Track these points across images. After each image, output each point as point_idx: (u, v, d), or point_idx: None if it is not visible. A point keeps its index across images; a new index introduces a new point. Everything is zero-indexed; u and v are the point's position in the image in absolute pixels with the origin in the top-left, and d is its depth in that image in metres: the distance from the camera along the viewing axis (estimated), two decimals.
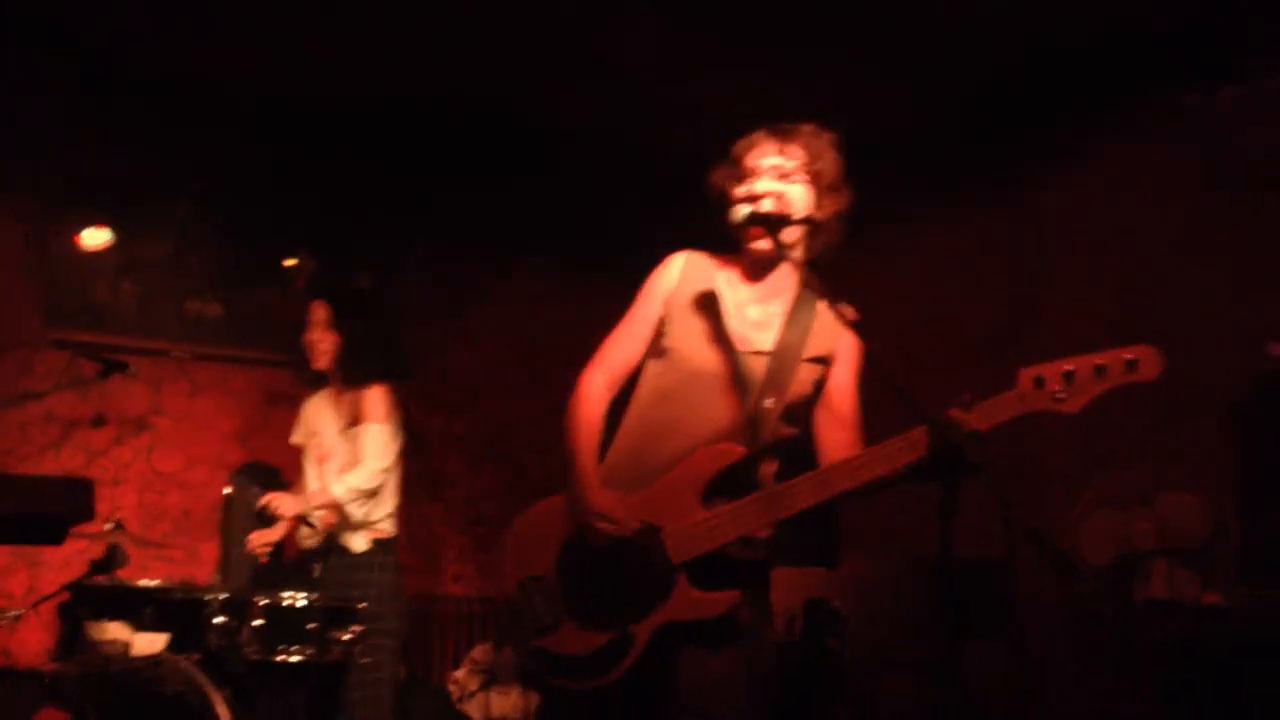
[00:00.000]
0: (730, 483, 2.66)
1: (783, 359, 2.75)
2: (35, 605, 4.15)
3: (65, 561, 4.88)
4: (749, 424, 2.71)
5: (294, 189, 5.67)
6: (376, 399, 4.22)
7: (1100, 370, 2.41)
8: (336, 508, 4.05)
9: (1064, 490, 4.70)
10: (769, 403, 2.70)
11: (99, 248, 5.35)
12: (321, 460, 4.30)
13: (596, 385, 2.83)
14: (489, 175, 5.99)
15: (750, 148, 2.79)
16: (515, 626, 2.71)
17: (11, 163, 5.14)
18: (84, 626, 3.87)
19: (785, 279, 2.84)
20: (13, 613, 4.09)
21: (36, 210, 5.23)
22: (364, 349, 4.26)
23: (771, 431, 2.72)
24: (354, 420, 4.23)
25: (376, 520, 4.15)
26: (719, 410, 2.74)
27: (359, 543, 4.14)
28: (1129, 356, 2.39)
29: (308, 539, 4.14)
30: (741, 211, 2.74)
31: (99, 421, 5.22)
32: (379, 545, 4.17)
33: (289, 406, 4.44)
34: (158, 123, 5.35)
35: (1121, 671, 4.45)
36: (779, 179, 2.75)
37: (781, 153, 2.76)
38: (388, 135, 5.80)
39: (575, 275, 6.07)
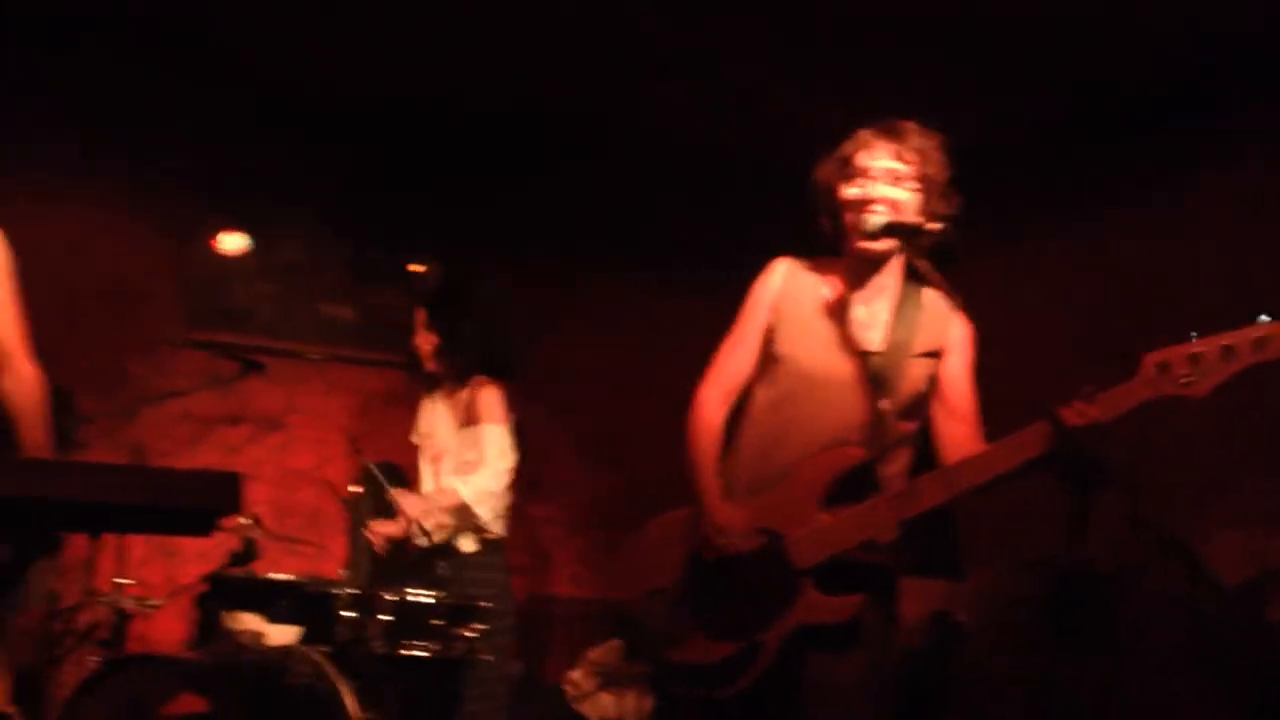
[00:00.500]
0: (852, 486, 2.65)
1: (894, 357, 2.74)
2: (174, 595, 4.33)
3: (201, 554, 5.03)
4: (867, 426, 2.70)
5: (422, 192, 5.80)
6: (491, 399, 4.30)
7: (1228, 351, 2.34)
8: (464, 509, 4.15)
9: (1193, 502, 4.55)
10: (885, 403, 2.69)
11: (237, 252, 5.53)
12: (436, 460, 4.40)
13: (712, 399, 2.86)
14: (597, 178, 6.06)
15: (861, 147, 2.77)
16: (642, 638, 2.73)
17: (155, 167, 5.33)
18: (220, 617, 4.01)
19: (889, 276, 2.83)
20: (153, 601, 4.26)
21: (179, 214, 5.43)
22: (460, 347, 4.35)
23: (891, 432, 2.70)
24: (467, 420, 4.32)
25: (489, 521, 4.23)
26: (836, 414, 2.73)
27: (468, 543, 4.23)
28: (1257, 335, 2.32)
29: (418, 538, 4.23)
30: (874, 221, 2.71)
31: (235, 420, 5.40)
32: (488, 546, 4.26)
33: (415, 408, 4.55)
34: (294, 128, 5.52)
35: (1246, 696, 4.31)
36: (893, 182, 2.73)
37: (897, 156, 2.74)
38: (498, 140, 5.90)
39: (684, 277, 6.08)
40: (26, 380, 2.69)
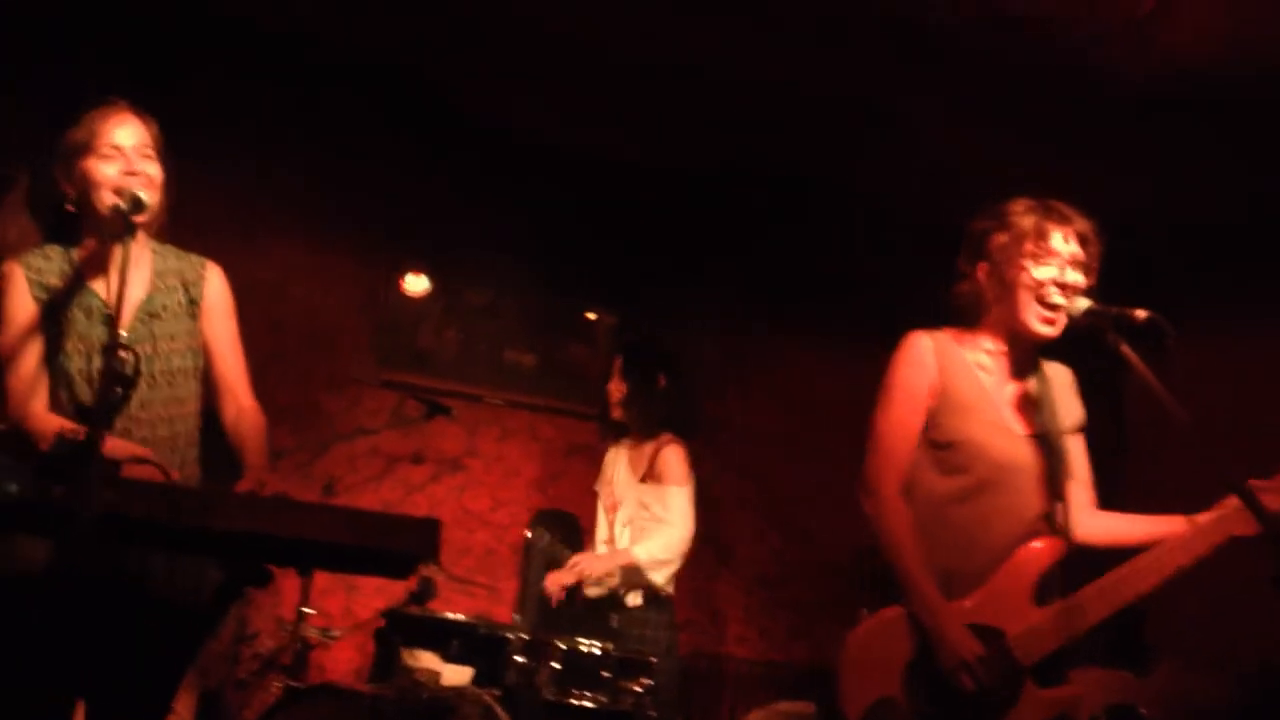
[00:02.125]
0: (1057, 578, 2.61)
1: (1057, 438, 2.73)
2: (356, 628, 4.45)
3: (379, 588, 5.17)
4: (1053, 511, 2.66)
5: (606, 244, 5.90)
6: (674, 459, 4.33)
7: None
8: (637, 571, 4.18)
9: None
10: (1069, 484, 2.67)
11: (419, 295, 5.70)
12: (611, 509, 4.44)
13: (893, 493, 2.75)
14: (781, 240, 6.08)
15: (1047, 230, 2.72)
16: None
17: (354, 209, 5.53)
18: (398, 653, 4.11)
19: (1031, 355, 2.81)
20: (335, 632, 4.40)
21: (374, 256, 5.60)
22: (650, 402, 4.40)
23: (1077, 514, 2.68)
24: (649, 475, 4.36)
25: (661, 584, 4.25)
26: (1026, 501, 2.70)
27: (636, 598, 4.25)
28: None
29: (592, 589, 4.27)
30: (1079, 304, 2.68)
31: (418, 459, 5.53)
32: (657, 602, 4.27)
33: (590, 457, 4.61)
34: (486, 174, 5.67)
35: None
36: (1076, 268, 2.73)
37: (1082, 243, 2.74)
38: (691, 196, 5.97)
39: (863, 345, 6.03)
40: (248, 413, 2.83)
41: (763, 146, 5.61)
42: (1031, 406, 2.77)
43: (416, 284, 5.69)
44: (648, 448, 4.40)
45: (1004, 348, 2.81)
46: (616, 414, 4.46)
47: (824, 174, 5.72)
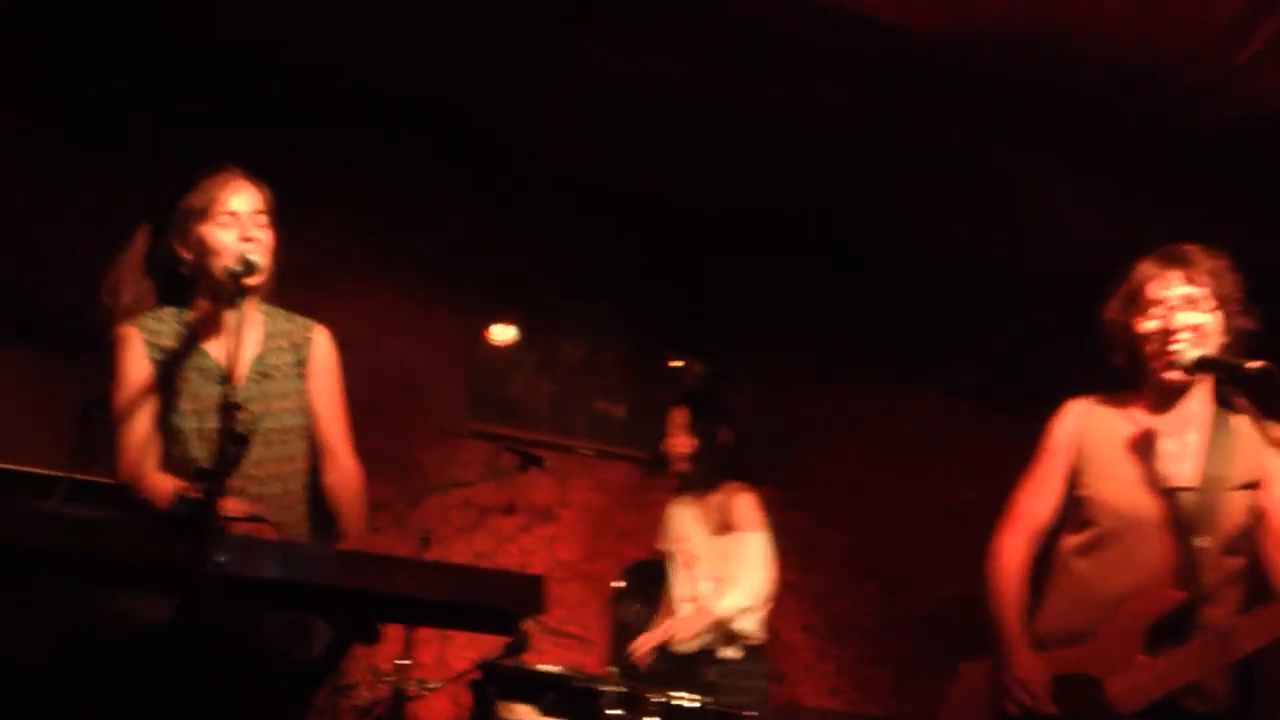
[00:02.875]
0: (1172, 629, 2.57)
1: (1211, 492, 2.65)
2: (454, 680, 4.47)
3: (472, 639, 5.20)
4: (1186, 566, 2.61)
5: (696, 292, 5.93)
6: (747, 506, 4.29)
7: None
8: (724, 625, 4.15)
9: None
10: (1204, 541, 2.61)
11: (507, 343, 5.75)
12: (689, 565, 4.40)
13: (1015, 545, 2.83)
14: (872, 289, 6.05)
15: (1150, 278, 2.72)
16: None
17: (445, 261, 5.60)
18: (494, 705, 4.11)
19: (1197, 405, 2.75)
20: (432, 684, 4.42)
21: (466, 306, 5.67)
22: (718, 455, 4.36)
23: (1213, 571, 2.61)
24: (722, 526, 4.32)
25: (751, 633, 4.21)
26: (1150, 555, 2.66)
27: (732, 651, 4.21)
28: None
29: (682, 648, 4.24)
30: (1187, 355, 2.66)
31: (510, 510, 5.54)
32: (750, 653, 4.23)
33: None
34: (574, 224, 5.73)
35: None
36: (1191, 307, 2.68)
37: (1189, 280, 2.69)
38: (786, 243, 5.98)
39: (953, 397, 5.97)
40: (348, 473, 2.88)
41: (851, 193, 5.59)
42: (1190, 458, 2.72)
43: (504, 334, 5.74)
44: (714, 499, 4.37)
45: (1155, 401, 2.80)
46: (681, 467, 4.42)
47: (913, 224, 5.70)
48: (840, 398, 6.11)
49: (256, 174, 2.87)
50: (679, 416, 4.45)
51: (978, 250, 5.77)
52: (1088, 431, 2.82)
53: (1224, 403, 2.76)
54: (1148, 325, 2.72)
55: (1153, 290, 2.72)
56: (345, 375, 3.07)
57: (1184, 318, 2.68)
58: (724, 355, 5.96)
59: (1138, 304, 2.74)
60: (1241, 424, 2.71)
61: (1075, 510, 2.81)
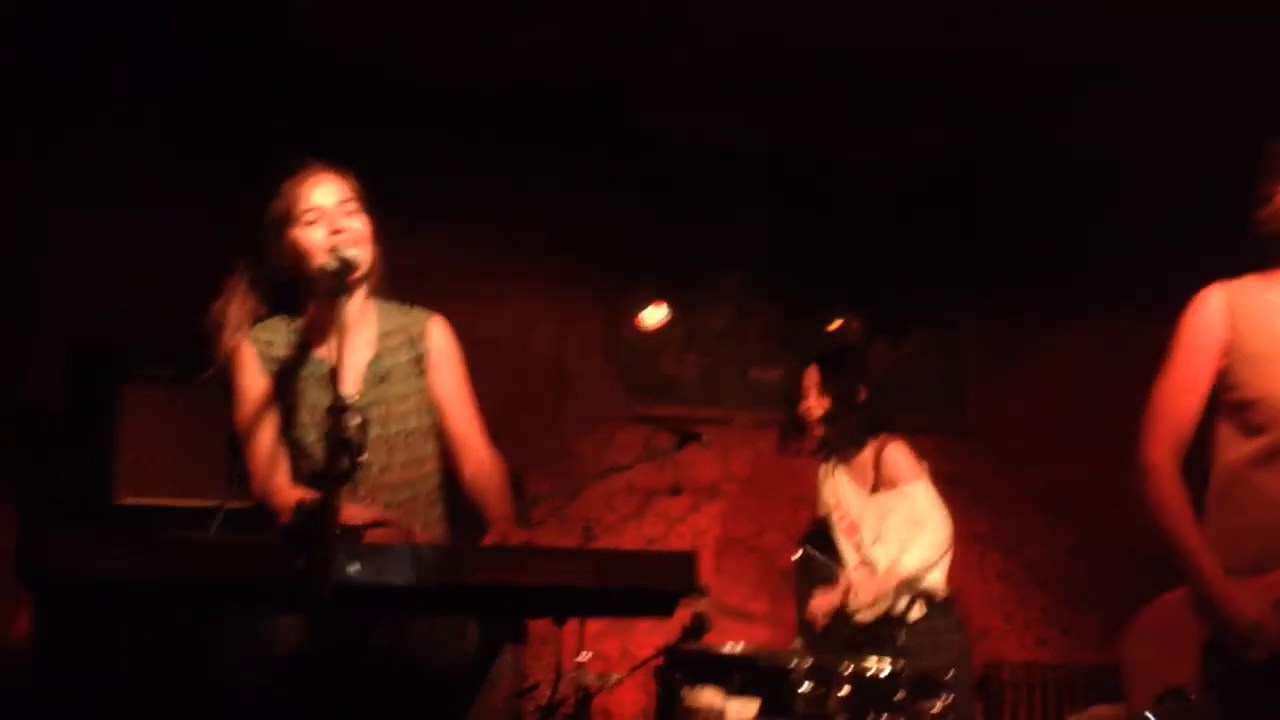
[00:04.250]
0: None
1: None
2: (634, 670, 4.35)
3: (654, 625, 5.07)
4: None
5: (840, 245, 5.68)
6: (900, 456, 4.07)
7: None
8: (912, 583, 3.93)
9: None
10: None
11: (656, 325, 5.61)
12: (851, 531, 4.19)
13: (1166, 462, 2.52)
14: (1041, 221, 5.70)
15: None
16: None
17: (584, 244, 5.51)
18: (680, 691, 3.97)
19: None
20: (615, 676, 4.31)
21: (609, 289, 5.58)
22: (857, 414, 4.15)
23: None
24: (879, 483, 4.10)
25: (937, 586, 3.99)
26: None
27: (917, 609, 3.98)
28: None
29: (865, 615, 4.03)
30: None
31: (675, 490, 5.42)
32: (938, 609, 4.02)
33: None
34: (708, 191, 5.57)
35: None
36: None
37: None
38: (932, 184, 5.67)
39: (1131, 322, 5.59)
40: (486, 464, 2.73)
41: (1003, 123, 5.26)
42: None
43: (655, 314, 5.60)
44: (864, 457, 4.16)
45: None
46: (818, 431, 4.21)
47: (1073, 143, 5.34)
48: (1021, 333, 5.79)
49: (391, 187, 2.75)
50: (811, 377, 4.24)
51: (1150, 163, 5.34)
52: (1240, 321, 2.49)
53: None
54: None
55: None
56: (495, 374, 2.95)
57: None
58: (883, 305, 5.68)
59: None
60: None
61: (1238, 413, 2.47)
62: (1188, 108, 4.92)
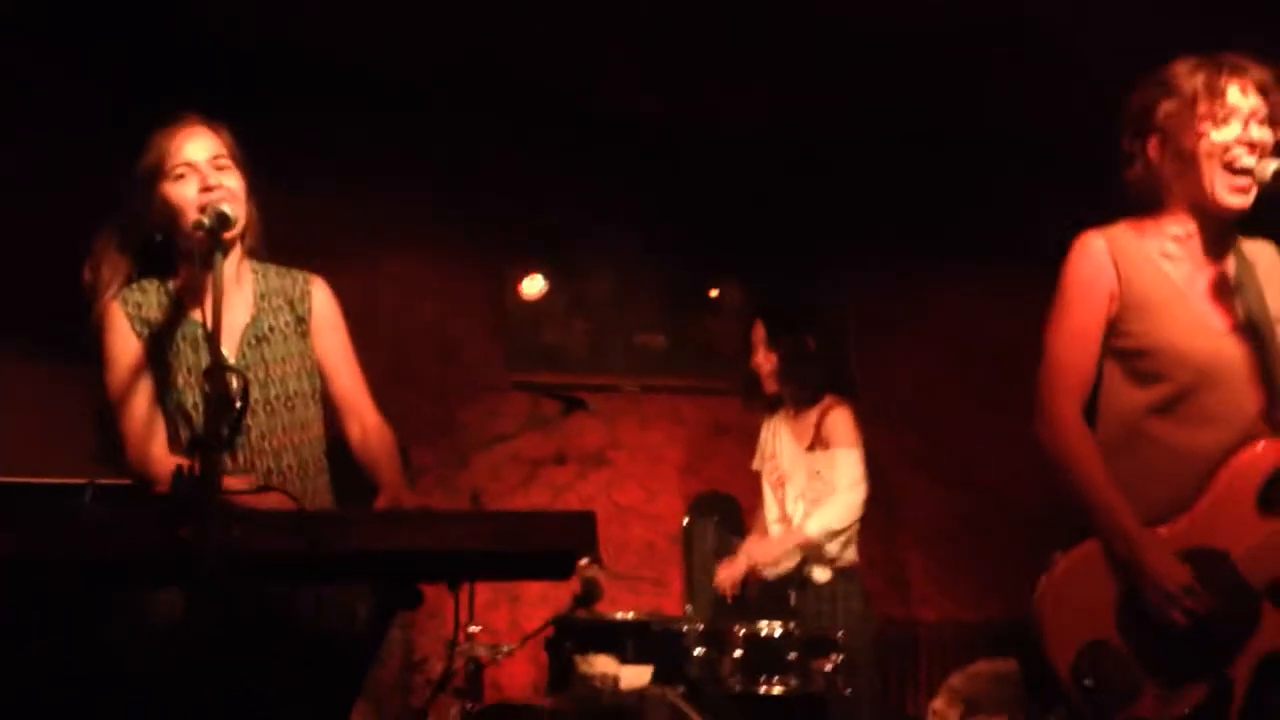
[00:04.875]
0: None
1: (1262, 328, 2.40)
2: (526, 640, 4.29)
3: (543, 596, 5.04)
4: (1266, 413, 2.36)
5: (726, 212, 5.65)
6: (842, 421, 4.08)
7: None
8: (812, 546, 3.95)
9: None
10: (1277, 381, 2.36)
11: (536, 296, 5.54)
12: (779, 485, 4.21)
13: (1071, 413, 2.46)
14: (918, 188, 5.75)
15: (1222, 86, 2.39)
16: (1092, 702, 2.35)
17: (464, 215, 5.39)
18: (572, 660, 3.94)
19: (1225, 233, 2.48)
20: (506, 647, 4.24)
21: (494, 258, 5.49)
22: (805, 367, 4.15)
23: None
24: (815, 442, 4.11)
25: (839, 553, 4.02)
26: (1242, 405, 2.37)
27: (821, 573, 4.01)
28: None
29: (768, 573, 4.05)
30: (1269, 166, 2.36)
31: (561, 459, 5.37)
32: (841, 574, 4.04)
33: (738, 435, 4.39)
34: (595, 158, 5.48)
35: None
36: (1260, 123, 2.39)
37: (1263, 95, 2.40)
38: (821, 152, 5.69)
39: (1012, 283, 5.67)
40: (375, 430, 2.65)
41: (883, 88, 5.28)
42: (1232, 294, 2.45)
43: (533, 285, 5.53)
44: (810, 415, 4.16)
45: (1193, 230, 2.47)
46: (770, 387, 4.21)
47: (953, 106, 5.37)
48: (907, 296, 5.82)
49: (272, 154, 2.62)
50: (758, 332, 4.24)
51: (1032, 125, 5.40)
52: (1125, 268, 2.47)
53: (1245, 231, 2.50)
54: (1222, 135, 2.38)
55: (1226, 99, 2.39)
56: (378, 342, 2.85)
57: (1259, 132, 2.39)
58: (768, 272, 5.68)
59: (1205, 112, 2.39)
60: (1262, 251, 2.51)
61: (1130, 363, 2.46)
62: (1066, 63, 4.98)
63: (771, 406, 4.29)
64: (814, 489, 4.08)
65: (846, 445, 4.05)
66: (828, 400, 4.13)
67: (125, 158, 2.60)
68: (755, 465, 4.35)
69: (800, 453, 4.14)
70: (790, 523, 4.11)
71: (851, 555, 4.05)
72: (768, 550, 4.03)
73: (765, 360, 4.20)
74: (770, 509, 4.22)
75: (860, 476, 4.04)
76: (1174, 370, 2.41)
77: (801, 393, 4.17)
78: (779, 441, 4.23)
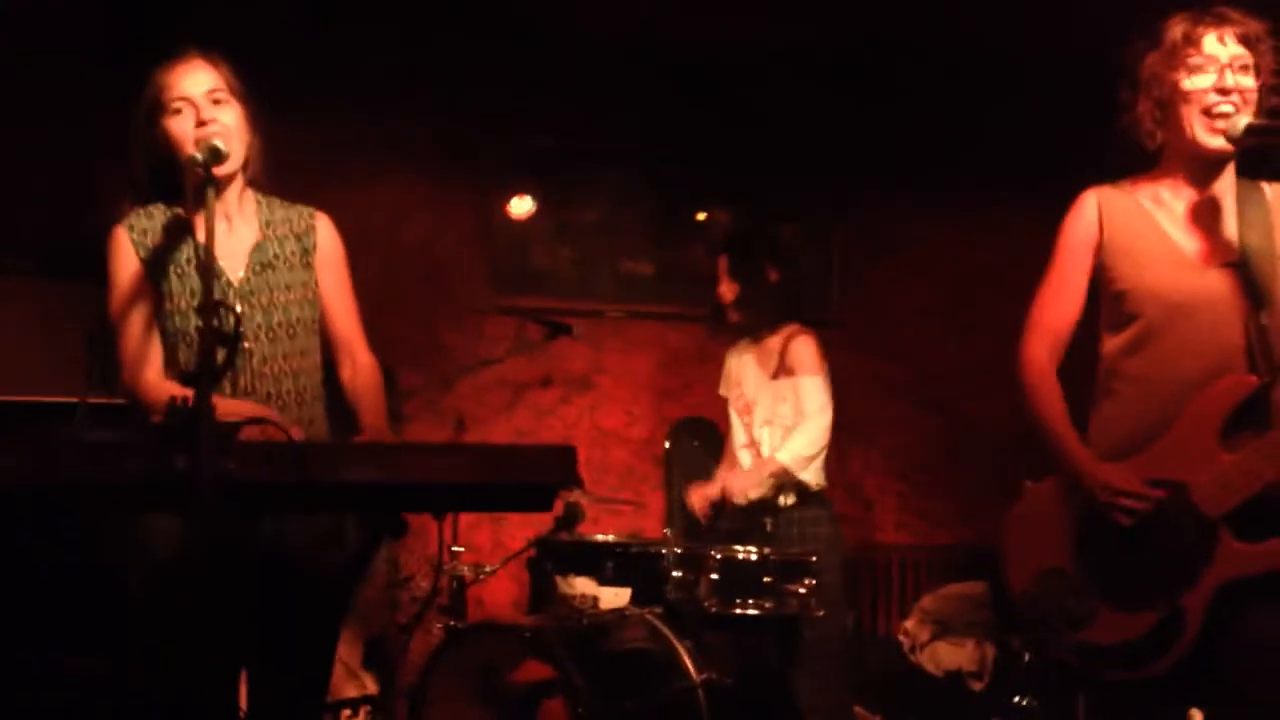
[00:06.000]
0: (1250, 418, 2.37)
1: (1258, 265, 2.45)
2: (507, 561, 4.40)
3: (525, 518, 5.11)
4: (1253, 346, 2.41)
5: (714, 139, 5.66)
6: (805, 348, 4.13)
7: None
8: (784, 473, 4.03)
9: None
10: (1264, 317, 2.41)
11: (524, 216, 5.56)
12: (745, 411, 4.27)
13: (1042, 356, 2.63)
14: (912, 114, 5.76)
15: (1201, 34, 2.47)
16: (1044, 626, 2.51)
17: (454, 139, 5.41)
18: (553, 581, 4.04)
19: (1225, 179, 2.55)
20: (488, 567, 4.35)
21: (483, 182, 5.49)
22: (766, 297, 4.20)
23: (1277, 349, 2.41)
24: (780, 370, 4.17)
25: (809, 480, 4.09)
26: (1211, 339, 2.45)
27: (789, 498, 4.09)
28: None
29: (740, 500, 4.14)
30: (1238, 122, 2.44)
31: (546, 383, 5.44)
32: (810, 498, 4.11)
33: (721, 362, 4.44)
34: (584, 82, 5.49)
35: None
36: (1241, 72, 2.45)
37: (1245, 44, 2.46)
38: (801, 77, 5.69)
39: (1001, 214, 5.71)
40: (365, 369, 2.71)
41: (878, 9, 5.25)
42: (1229, 233, 2.52)
43: (521, 206, 5.54)
44: (773, 342, 4.21)
45: (1184, 176, 2.56)
46: (734, 316, 4.27)
47: (950, 29, 5.35)
48: (889, 225, 5.86)
49: (259, 79, 2.64)
50: (722, 263, 4.29)
51: (1019, 53, 5.39)
52: (1110, 221, 2.58)
53: (1246, 171, 2.56)
54: (1196, 82, 2.46)
55: (1202, 47, 2.47)
56: (365, 267, 2.89)
57: (1235, 79, 2.45)
58: (758, 197, 5.71)
59: (1182, 60, 2.48)
60: (1273, 193, 2.55)
61: (1113, 309, 2.58)
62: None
63: (735, 335, 4.34)
64: (780, 415, 4.14)
65: (810, 372, 4.10)
66: (791, 328, 4.17)
67: (121, 83, 2.64)
68: (722, 391, 4.41)
69: (765, 380, 4.20)
70: (757, 448, 4.18)
71: (820, 479, 4.12)
72: (743, 480, 4.11)
73: (728, 290, 4.24)
74: (738, 434, 4.29)
75: (826, 402, 4.09)
76: (1145, 306, 2.50)
77: (763, 322, 4.22)
78: (744, 369, 4.29)
